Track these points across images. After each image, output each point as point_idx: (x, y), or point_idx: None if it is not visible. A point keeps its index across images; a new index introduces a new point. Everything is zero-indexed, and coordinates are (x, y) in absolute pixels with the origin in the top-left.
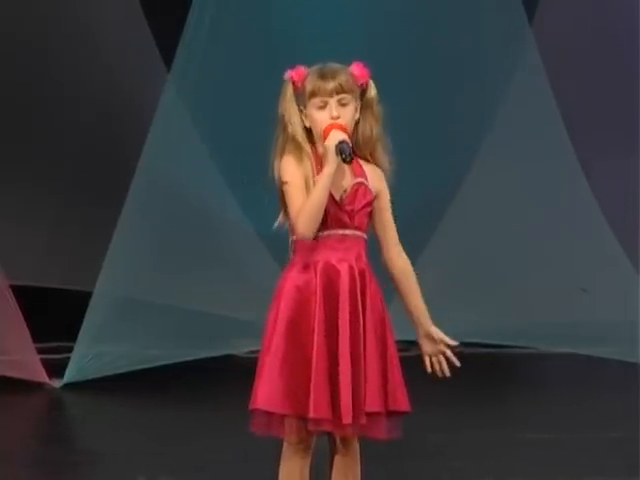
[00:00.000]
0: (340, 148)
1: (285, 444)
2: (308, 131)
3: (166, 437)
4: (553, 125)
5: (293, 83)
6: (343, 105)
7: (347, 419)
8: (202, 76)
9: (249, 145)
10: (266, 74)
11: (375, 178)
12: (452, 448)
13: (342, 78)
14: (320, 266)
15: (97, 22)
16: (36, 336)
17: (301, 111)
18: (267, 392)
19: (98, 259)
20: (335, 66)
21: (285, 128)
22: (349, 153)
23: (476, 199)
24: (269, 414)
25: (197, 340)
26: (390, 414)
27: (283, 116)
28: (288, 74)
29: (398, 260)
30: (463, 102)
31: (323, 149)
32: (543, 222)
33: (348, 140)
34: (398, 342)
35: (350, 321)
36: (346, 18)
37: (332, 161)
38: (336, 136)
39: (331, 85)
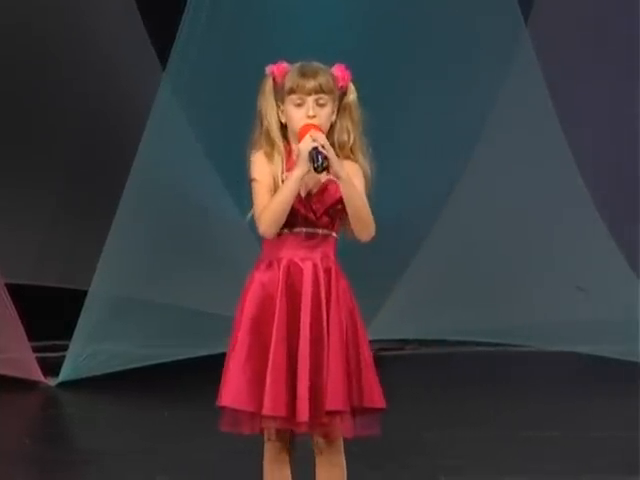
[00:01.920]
0: (313, 156)
1: (265, 442)
2: (284, 127)
3: (161, 436)
4: (549, 125)
5: (273, 78)
6: (320, 105)
7: (302, 417)
8: (197, 75)
9: (244, 144)
10: (262, 73)
11: (349, 172)
12: (448, 446)
13: (322, 78)
14: (284, 263)
15: (92, 20)
16: (31, 334)
17: (278, 106)
18: (233, 389)
19: (94, 258)
20: (317, 65)
21: (262, 122)
22: (321, 163)
23: (472, 199)
24: (236, 411)
25: (193, 339)
26: (365, 411)
27: (260, 110)
28: (269, 69)
29: None
30: (458, 102)
31: (297, 150)
32: (539, 221)
33: (323, 147)
34: (391, 341)
35: (311, 320)
36: (341, 18)
37: (303, 165)
38: (311, 141)
39: (311, 84)
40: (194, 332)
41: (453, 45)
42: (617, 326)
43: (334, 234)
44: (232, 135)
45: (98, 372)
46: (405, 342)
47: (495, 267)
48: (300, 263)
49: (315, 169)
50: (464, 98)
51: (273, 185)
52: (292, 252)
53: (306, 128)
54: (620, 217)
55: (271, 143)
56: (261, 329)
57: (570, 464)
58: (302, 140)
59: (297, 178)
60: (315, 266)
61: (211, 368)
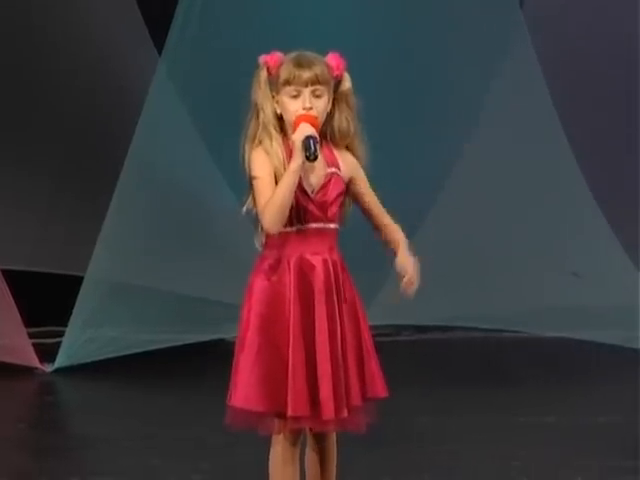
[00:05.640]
0: (306, 144)
1: (274, 441)
2: (280, 118)
3: (157, 421)
4: (546, 116)
5: (267, 69)
6: (317, 96)
7: (328, 415)
8: (193, 60)
9: (241, 130)
10: (257, 59)
11: (349, 165)
12: (443, 432)
13: (318, 69)
14: (293, 260)
15: (88, 6)
16: (27, 320)
17: (273, 97)
18: (244, 390)
19: (90, 243)
20: (311, 55)
21: (257, 115)
22: (314, 151)
23: (468, 186)
24: (248, 412)
25: (189, 324)
26: (366, 400)
27: (256, 102)
28: (262, 59)
29: (392, 224)
30: (456, 91)
31: (292, 141)
32: (537, 207)
33: (316, 135)
34: (387, 327)
35: (327, 315)
36: (338, 5)
37: (298, 156)
38: (304, 130)
39: (307, 75)
40: (190, 318)
41: (451, 36)
42: (617, 312)
43: (337, 226)
44: (228, 120)
45: (94, 358)
46: (401, 328)
47: (492, 253)
48: (311, 259)
49: (307, 157)
50: (461, 88)
51: (275, 180)
52: (301, 248)
53: (300, 119)
54: (620, 212)
55: (270, 136)
56: (271, 327)
57: (568, 449)
58: (296, 131)
59: (294, 170)
60: (325, 261)
61: (208, 354)
